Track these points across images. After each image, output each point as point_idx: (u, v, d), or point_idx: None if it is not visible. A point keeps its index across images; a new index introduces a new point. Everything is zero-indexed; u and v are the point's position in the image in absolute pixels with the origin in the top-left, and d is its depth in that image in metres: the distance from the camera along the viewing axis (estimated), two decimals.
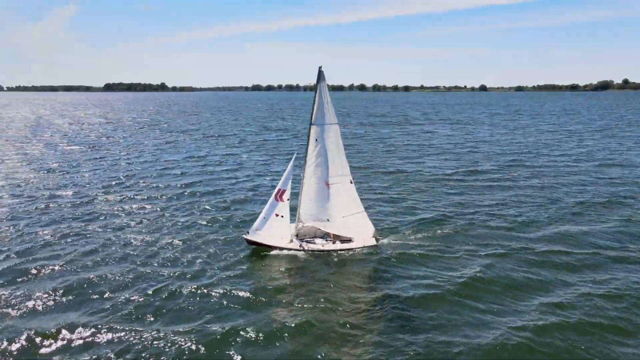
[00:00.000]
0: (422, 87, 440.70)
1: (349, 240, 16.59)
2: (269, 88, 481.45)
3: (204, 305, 12.63)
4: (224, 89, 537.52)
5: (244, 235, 16.47)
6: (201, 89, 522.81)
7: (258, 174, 29.94)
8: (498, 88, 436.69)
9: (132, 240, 17.35)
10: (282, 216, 16.13)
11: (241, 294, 13.22)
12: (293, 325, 11.61)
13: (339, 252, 16.15)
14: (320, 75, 15.33)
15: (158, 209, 21.61)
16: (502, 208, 22.04)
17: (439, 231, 18.52)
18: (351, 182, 16.52)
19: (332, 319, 11.99)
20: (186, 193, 24.53)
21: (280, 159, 36.13)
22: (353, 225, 16.59)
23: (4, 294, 13.07)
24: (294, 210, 16.85)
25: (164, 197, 23.90)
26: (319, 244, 16.42)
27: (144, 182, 27.09)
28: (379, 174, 30.16)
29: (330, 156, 15.77)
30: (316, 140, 15.58)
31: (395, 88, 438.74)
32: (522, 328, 11.60)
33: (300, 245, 16.21)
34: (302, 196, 16.33)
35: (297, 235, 16.74)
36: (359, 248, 16.31)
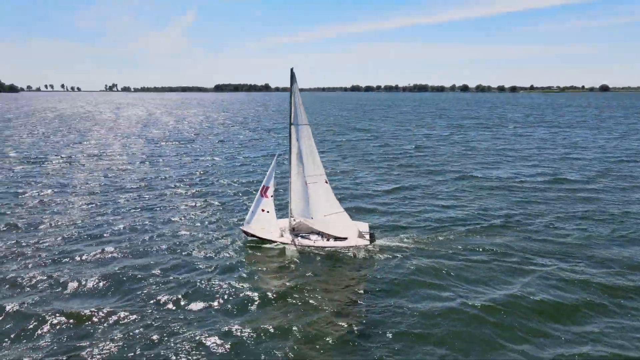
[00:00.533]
0: (531, 88, 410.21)
1: (344, 239, 16.44)
2: (368, 89, 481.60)
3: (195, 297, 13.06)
4: (323, 89, 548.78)
5: (240, 227, 17.19)
6: (301, 90, 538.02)
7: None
8: (624, 88, 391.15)
9: (181, 232, 18.29)
10: (267, 211, 16.70)
11: (224, 287, 13.46)
12: (270, 324, 11.58)
13: (330, 249, 16.10)
14: (293, 77, 15.58)
15: (218, 202, 22.72)
16: (563, 222, 19.62)
17: (469, 241, 17.42)
18: (326, 182, 16.62)
19: (310, 318, 11.87)
20: (251, 190, 25.30)
21: (352, 159, 35.88)
22: (337, 224, 16.59)
23: (51, 272, 14.51)
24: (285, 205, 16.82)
25: (228, 191, 25.01)
26: (312, 240, 16.47)
27: (215, 178, 28.57)
28: (445, 178, 28.69)
29: (305, 156, 16.09)
30: (296, 140, 16.05)
31: (501, 89, 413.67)
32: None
33: (292, 240, 16.46)
34: (291, 193, 16.79)
35: (293, 230, 16.99)
36: (351, 247, 16.22)
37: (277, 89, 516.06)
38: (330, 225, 16.66)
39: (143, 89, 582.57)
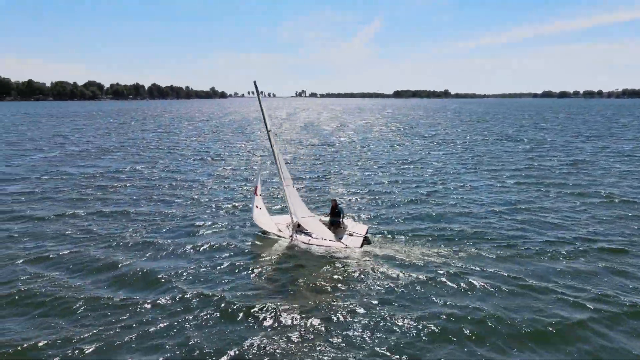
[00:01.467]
0: None
1: (340, 239, 16.39)
2: (563, 95, 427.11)
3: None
4: (509, 95, 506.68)
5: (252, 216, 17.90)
6: (484, 96, 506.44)
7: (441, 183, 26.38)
8: None
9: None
10: (260, 208, 17.81)
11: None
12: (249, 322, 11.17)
13: (325, 248, 15.97)
14: (257, 87, 16.13)
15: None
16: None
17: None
18: (293, 187, 17.13)
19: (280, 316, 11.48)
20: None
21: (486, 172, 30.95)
22: (318, 226, 16.77)
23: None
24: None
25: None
26: (306, 238, 16.62)
27: (342, 177, 27.66)
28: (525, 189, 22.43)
29: (280, 160, 16.58)
30: (274, 144, 16.29)
31: None
32: None
33: (291, 235, 16.80)
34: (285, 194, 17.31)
35: (298, 226, 17.19)
36: (342, 247, 15.88)
37: (457, 95, 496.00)
38: (314, 227, 16.71)
39: (328, 95, 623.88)
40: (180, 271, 14.19)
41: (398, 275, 13.77)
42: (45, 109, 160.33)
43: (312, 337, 10.54)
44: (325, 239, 16.37)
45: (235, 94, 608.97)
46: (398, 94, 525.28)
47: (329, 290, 12.97)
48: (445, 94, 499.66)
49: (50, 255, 15.26)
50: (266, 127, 16.00)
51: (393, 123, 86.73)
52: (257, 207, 17.71)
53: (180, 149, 44.65)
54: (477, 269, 14.25)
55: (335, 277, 13.79)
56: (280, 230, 17.25)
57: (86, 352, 9.86)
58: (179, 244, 16.58)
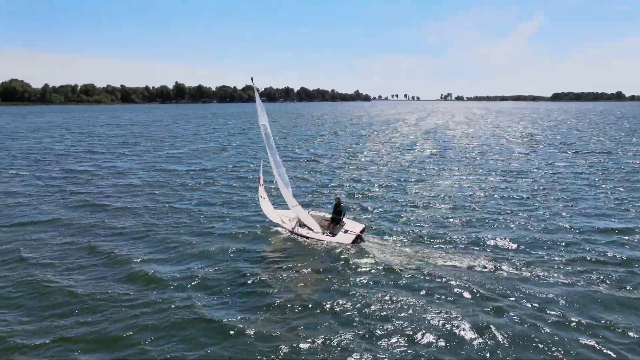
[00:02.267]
0: None
1: (334, 235, 16.93)
2: None
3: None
4: None
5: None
6: None
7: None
8: None
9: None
10: (263, 197, 18.71)
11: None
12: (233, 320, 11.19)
13: (318, 242, 16.57)
14: (254, 84, 17.40)
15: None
16: None
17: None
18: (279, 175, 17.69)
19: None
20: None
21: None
22: (307, 218, 17.50)
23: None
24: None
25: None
26: (305, 231, 17.15)
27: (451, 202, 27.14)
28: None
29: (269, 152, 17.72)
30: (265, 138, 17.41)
31: None
32: None
33: (293, 227, 17.43)
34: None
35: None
36: (334, 243, 16.37)
37: (632, 98, 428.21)
38: (305, 217, 17.52)
39: (475, 98, 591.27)
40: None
41: (379, 273, 14.02)
42: (201, 110, 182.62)
43: (289, 332, 10.76)
44: (324, 233, 16.99)
45: (379, 96, 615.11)
46: (557, 97, 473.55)
47: (310, 283, 13.46)
48: (618, 97, 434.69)
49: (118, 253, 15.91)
50: (259, 121, 17.21)
51: (531, 129, 79.21)
52: (261, 197, 18.84)
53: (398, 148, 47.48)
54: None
55: (319, 270, 14.32)
56: (283, 222, 17.87)
57: (88, 351, 10.11)
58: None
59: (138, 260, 15.19)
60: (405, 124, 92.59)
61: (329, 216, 18.17)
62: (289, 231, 17.61)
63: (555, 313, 11.58)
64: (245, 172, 33.01)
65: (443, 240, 17.34)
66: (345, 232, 16.92)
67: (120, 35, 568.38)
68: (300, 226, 17.54)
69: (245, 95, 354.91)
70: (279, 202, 19.96)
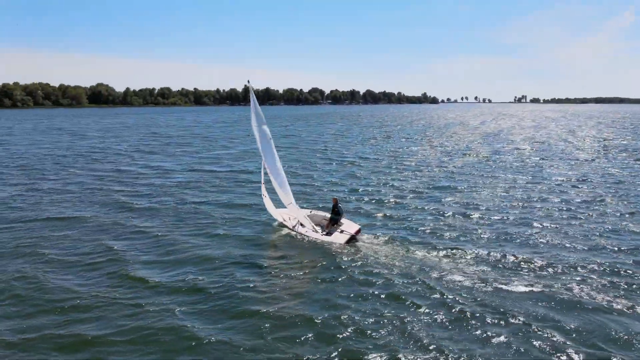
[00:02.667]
0: None
1: (330, 234, 17.39)
2: None
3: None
4: None
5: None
6: None
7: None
8: None
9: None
10: (265, 196, 19.41)
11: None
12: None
13: (314, 240, 17.16)
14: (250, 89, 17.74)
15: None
16: None
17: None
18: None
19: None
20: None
21: None
22: (302, 215, 18.18)
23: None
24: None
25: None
26: (304, 229, 17.71)
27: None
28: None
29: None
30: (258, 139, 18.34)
31: None
32: None
33: (294, 226, 18.01)
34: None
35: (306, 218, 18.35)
36: (328, 241, 16.85)
37: None
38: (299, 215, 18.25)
39: (553, 101, 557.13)
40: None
41: (369, 274, 14.13)
42: (265, 112, 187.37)
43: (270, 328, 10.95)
44: (323, 233, 17.60)
45: (448, 99, 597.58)
46: None
47: (299, 282, 13.80)
48: None
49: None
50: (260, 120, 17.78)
51: (606, 134, 72.94)
52: (264, 195, 19.53)
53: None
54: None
55: (310, 269, 14.77)
56: (284, 220, 18.67)
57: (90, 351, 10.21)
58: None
59: (141, 260, 15.63)
60: (465, 128, 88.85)
61: (328, 216, 18.71)
62: (290, 229, 18.22)
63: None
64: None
65: (453, 248, 16.52)
66: (341, 232, 17.37)
67: (193, 40, 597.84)
68: (301, 225, 18.02)
69: (311, 98, 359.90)
70: (279, 200, 19.96)
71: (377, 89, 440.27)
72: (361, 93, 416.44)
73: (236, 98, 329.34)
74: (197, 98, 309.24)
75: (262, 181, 19.83)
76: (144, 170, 35.43)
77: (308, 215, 18.87)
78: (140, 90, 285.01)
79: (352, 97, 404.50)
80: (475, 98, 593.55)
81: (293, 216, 18.77)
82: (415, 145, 54.49)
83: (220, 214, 21.40)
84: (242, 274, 14.33)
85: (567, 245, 17.15)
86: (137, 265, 15.03)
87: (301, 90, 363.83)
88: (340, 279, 13.83)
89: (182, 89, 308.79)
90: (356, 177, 31.81)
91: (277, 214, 19.19)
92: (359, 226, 17.95)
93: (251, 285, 13.44)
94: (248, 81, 18.34)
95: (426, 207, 22.82)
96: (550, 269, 14.73)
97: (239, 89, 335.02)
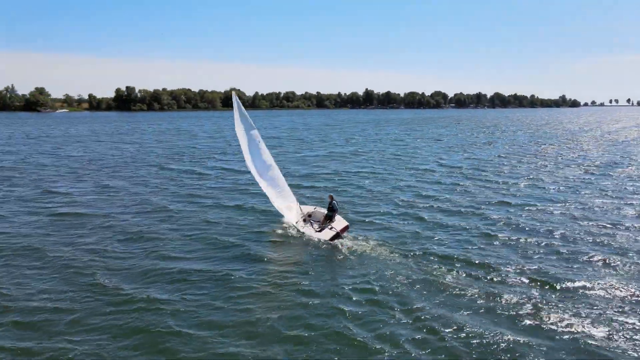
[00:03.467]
0: None
1: (321, 230, 17.99)
2: None
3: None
4: None
5: None
6: None
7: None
8: None
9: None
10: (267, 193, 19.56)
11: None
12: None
13: (306, 236, 18.05)
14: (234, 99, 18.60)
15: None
16: None
17: None
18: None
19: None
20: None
21: None
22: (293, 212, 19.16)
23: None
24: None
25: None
26: (302, 225, 18.59)
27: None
28: None
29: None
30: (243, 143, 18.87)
31: None
32: None
33: (297, 222, 18.79)
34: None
35: (309, 216, 19.27)
36: (315, 237, 17.66)
37: None
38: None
39: None
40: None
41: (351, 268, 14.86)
42: (382, 115, 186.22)
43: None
44: (320, 229, 18.18)
45: (593, 102, 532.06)
46: None
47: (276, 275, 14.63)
48: None
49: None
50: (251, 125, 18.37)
51: None
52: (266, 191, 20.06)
53: None
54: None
55: (287, 263, 15.82)
56: (289, 216, 19.37)
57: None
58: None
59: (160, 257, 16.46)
60: (593, 135, 78.35)
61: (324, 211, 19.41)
62: (293, 225, 18.86)
63: None
64: (350, 178, 32.74)
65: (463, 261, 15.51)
66: (331, 228, 17.82)
67: (319, 45, 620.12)
68: (304, 221, 18.89)
69: (432, 101, 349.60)
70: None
71: (507, 91, 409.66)
72: (488, 96, 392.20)
73: (357, 101, 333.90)
74: (319, 101, 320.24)
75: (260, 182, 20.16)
76: (213, 171, 37.87)
77: (312, 212, 19.64)
78: (268, 94, 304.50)
79: (477, 100, 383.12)
80: (628, 100, 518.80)
81: (297, 212, 19.40)
82: (523, 154, 49.50)
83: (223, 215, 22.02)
84: (224, 266, 15.17)
85: None
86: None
87: (423, 93, 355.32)
88: (308, 274, 14.59)
89: (306, 92, 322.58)
90: (415, 185, 30.24)
91: (284, 209, 19.61)
92: (347, 223, 18.35)
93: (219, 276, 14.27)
94: (232, 91, 19.57)
95: (472, 226, 20.69)
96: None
97: (360, 92, 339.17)
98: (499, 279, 14.17)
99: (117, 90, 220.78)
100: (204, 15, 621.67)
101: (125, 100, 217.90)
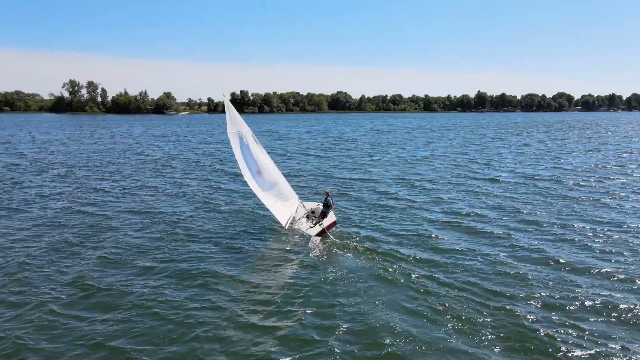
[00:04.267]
0: None
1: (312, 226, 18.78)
2: None
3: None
4: None
5: None
6: None
7: None
8: None
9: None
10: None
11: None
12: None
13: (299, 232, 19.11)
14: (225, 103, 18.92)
15: None
16: None
17: None
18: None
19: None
20: None
21: None
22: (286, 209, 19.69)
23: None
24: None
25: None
26: (301, 222, 19.47)
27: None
28: None
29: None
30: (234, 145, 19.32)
31: None
32: None
33: (299, 219, 19.55)
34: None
35: (312, 212, 20.01)
36: (302, 232, 18.72)
37: None
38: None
39: None
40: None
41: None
42: (495, 119, 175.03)
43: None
44: (317, 223, 18.74)
45: None
46: None
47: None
48: None
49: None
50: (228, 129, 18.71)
51: None
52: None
53: None
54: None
55: (270, 257, 16.67)
56: (295, 211, 20.00)
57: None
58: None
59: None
60: None
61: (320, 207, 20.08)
62: (283, 222, 19.25)
63: None
64: (413, 181, 32.04)
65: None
66: (320, 224, 18.31)
67: (426, 47, 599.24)
68: (307, 217, 19.69)
69: (554, 104, 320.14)
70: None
71: None
72: (624, 97, 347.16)
73: (467, 104, 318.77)
74: (427, 104, 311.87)
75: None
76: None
77: (315, 209, 20.20)
78: (374, 97, 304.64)
79: (610, 102, 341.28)
80: None
81: (300, 209, 20.06)
82: (607, 164, 43.81)
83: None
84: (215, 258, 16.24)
85: None
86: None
87: (543, 95, 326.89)
88: (283, 268, 15.55)
89: (413, 95, 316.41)
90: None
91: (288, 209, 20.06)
92: (334, 219, 18.84)
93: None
94: (224, 95, 19.61)
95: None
96: None
97: (472, 94, 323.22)
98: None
99: (233, 94, 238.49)
100: (309, 20, 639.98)
101: (239, 103, 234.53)
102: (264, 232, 19.89)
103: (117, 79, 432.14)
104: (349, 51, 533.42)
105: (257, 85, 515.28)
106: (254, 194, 19.45)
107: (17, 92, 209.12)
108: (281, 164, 41.32)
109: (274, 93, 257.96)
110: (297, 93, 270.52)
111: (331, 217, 18.85)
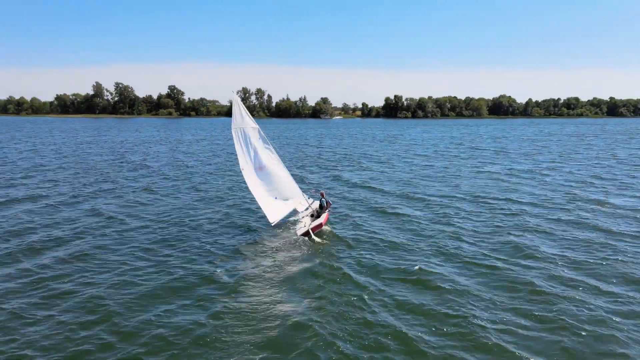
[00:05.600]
0: None
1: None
2: None
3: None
4: None
5: None
6: None
7: None
8: None
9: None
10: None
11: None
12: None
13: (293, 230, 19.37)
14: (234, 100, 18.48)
15: None
16: None
17: None
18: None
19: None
20: None
21: None
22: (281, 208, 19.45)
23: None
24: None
25: None
26: (303, 221, 19.57)
27: None
28: None
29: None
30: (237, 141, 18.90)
31: None
32: None
33: (303, 217, 19.75)
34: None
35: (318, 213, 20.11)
36: (293, 230, 18.98)
37: None
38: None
39: None
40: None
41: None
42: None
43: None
44: (312, 219, 19.21)
45: None
46: None
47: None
48: None
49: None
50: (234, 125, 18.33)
51: None
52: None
53: None
54: None
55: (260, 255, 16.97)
56: (298, 210, 20.25)
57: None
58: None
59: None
60: None
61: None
62: (274, 219, 19.52)
63: None
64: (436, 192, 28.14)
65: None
66: (305, 225, 18.62)
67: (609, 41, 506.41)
68: (311, 216, 19.75)
69: None
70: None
71: None
72: None
73: None
74: (612, 108, 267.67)
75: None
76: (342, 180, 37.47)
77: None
78: (543, 101, 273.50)
79: None
80: None
81: (304, 207, 19.96)
82: None
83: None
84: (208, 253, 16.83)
85: None
86: None
87: None
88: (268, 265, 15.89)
89: (594, 98, 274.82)
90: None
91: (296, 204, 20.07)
92: (321, 221, 18.99)
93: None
94: (232, 91, 18.91)
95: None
96: None
97: None
98: None
99: (386, 99, 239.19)
100: (481, 22, 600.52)
101: (392, 108, 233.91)
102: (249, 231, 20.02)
103: (277, 84, 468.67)
104: (511, 53, 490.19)
105: (413, 91, 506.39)
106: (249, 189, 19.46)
107: (202, 99, 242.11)
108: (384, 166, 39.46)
109: (429, 98, 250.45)
110: (454, 97, 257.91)
111: (320, 219, 18.65)
